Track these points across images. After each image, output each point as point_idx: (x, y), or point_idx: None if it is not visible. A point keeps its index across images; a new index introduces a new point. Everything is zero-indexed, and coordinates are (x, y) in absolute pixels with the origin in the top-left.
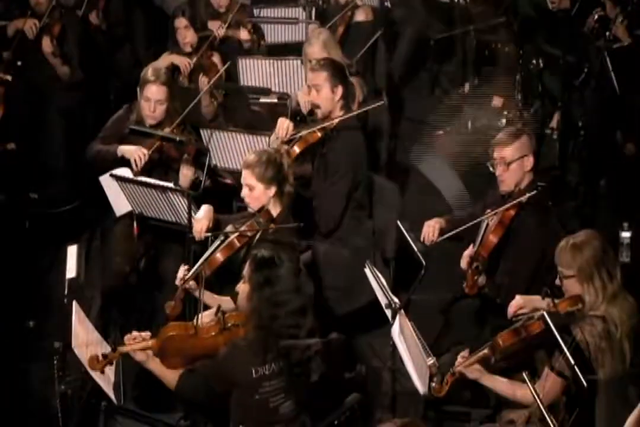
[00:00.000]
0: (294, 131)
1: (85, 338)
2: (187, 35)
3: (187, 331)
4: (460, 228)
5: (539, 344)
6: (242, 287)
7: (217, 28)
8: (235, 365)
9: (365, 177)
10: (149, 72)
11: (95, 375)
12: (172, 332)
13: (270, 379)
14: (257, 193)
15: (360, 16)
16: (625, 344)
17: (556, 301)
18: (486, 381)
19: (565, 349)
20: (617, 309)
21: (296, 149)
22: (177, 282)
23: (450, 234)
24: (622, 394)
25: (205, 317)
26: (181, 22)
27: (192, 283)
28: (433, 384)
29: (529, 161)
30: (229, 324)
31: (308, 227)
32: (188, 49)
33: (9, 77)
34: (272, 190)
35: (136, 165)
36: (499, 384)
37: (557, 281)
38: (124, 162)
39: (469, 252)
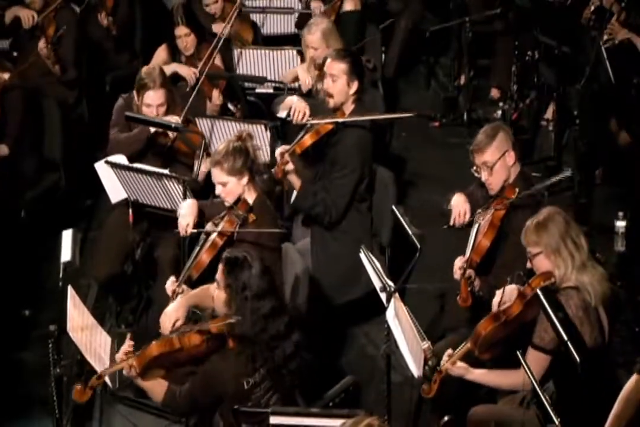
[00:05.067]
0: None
1: (80, 322)
2: (188, 42)
3: (172, 347)
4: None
5: (520, 327)
6: (217, 295)
7: (220, 29)
8: (226, 380)
9: (370, 172)
10: (143, 76)
11: (91, 359)
12: (156, 352)
13: (261, 384)
14: (231, 186)
15: (348, 6)
16: (601, 313)
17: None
18: (471, 376)
19: (558, 325)
20: (587, 277)
21: (308, 140)
22: (169, 292)
23: None
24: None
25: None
26: (181, 30)
27: (184, 288)
28: (423, 386)
29: (511, 155)
30: (213, 332)
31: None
32: (190, 53)
33: (5, 76)
34: (245, 178)
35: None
36: (485, 377)
37: (528, 264)
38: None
39: (460, 263)
